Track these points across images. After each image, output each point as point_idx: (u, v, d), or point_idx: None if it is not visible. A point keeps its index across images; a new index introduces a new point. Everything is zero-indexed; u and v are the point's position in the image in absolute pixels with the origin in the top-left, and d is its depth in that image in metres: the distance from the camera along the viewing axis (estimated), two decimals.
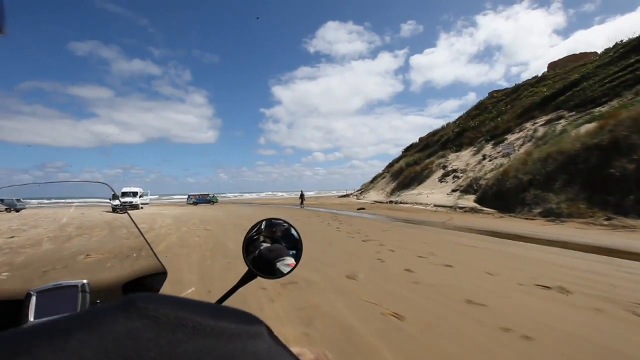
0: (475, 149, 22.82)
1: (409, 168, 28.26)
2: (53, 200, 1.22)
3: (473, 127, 27.44)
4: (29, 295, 0.70)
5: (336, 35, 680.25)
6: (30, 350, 0.17)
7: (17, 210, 1.44)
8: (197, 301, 0.25)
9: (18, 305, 0.71)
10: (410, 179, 25.76)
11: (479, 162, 20.08)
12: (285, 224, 0.78)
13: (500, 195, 13.39)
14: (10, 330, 0.20)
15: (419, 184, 23.83)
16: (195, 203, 37.57)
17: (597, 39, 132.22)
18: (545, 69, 37.91)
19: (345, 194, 50.95)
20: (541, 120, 19.78)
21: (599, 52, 38.69)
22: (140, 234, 0.90)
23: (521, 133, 20.14)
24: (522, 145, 18.24)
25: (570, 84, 21.01)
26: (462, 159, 22.83)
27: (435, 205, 16.91)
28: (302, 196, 25.90)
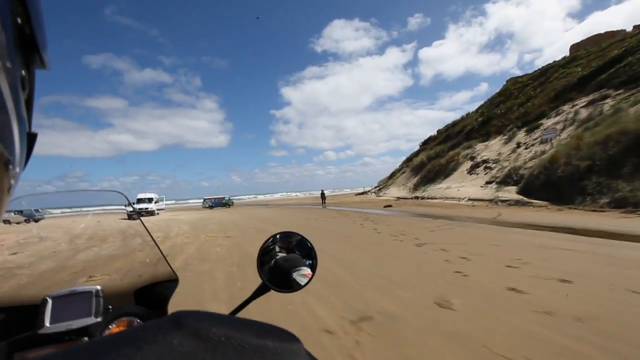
0: (505, 137, 21.16)
1: (432, 161, 26.70)
2: (74, 210, 1.29)
3: (499, 114, 25.69)
4: (45, 301, 0.73)
5: (343, 33, 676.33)
6: None
7: (36, 221, 1.46)
8: (240, 319, 0.26)
9: (34, 310, 0.74)
10: (434, 172, 24.24)
11: (513, 151, 18.46)
12: (298, 236, 0.79)
13: (550, 185, 11.88)
14: (70, 347, 0.21)
15: (446, 177, 22.31)
16: (211, 207, 36.99)
17: (616, 19, 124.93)
18: (567, 53, 35.85)
19: (362, 191, 49.57)
20: (581, 101, 18.01)
21: (627, 29, 36.38)
22: (153, 241, 0.93)
23: (559, 117, 18.41)
24: (562, 129, 16.57)
25: (611, 60, 19.11)
26: (491, 148, 21.20)
27: (470, 200, 15.47)
28: (323, 195, 24.75)
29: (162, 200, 32.42)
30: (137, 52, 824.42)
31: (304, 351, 0.25)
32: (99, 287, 0.78)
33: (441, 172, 23.43)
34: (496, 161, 18.84)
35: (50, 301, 0.73)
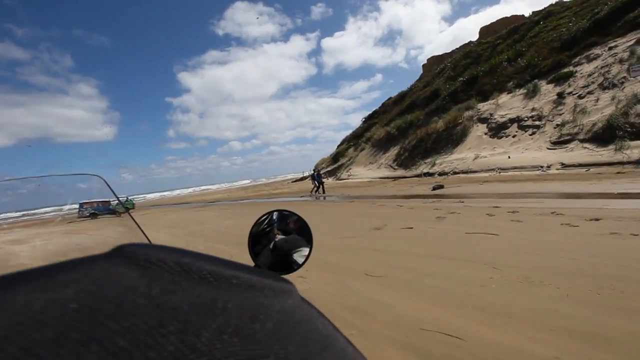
0: (523, 91, 16.75)
1: (419, 130, 21.13)
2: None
3: (486, 72, 21.65)
4: None
5: (246, 17, 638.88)
6: (7, 288, 0.15)
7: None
8: (212, 256, 0.21)
9: None
10: (432, 142, 18.61)
11: (559, 104, 13.90)
12: (293, 215, 0.74)
13: None
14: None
15: (456, 145, 16.85)
16: (93, 215, 23.91)
17: (473, 25, 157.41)
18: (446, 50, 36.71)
19: (302, 176, 42.26)
20: (623, 40, 14.43)
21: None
22: (144, 235, 0.87)
23: (598, 61, 14.54)
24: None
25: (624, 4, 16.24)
26: (510, 105, 16.54)
27: (564, 166, 9.90)
28: (317, 178, 16.24)
29: None
30: None
31: (296, 293, 0.21)
32: None
33: (444, 141, 17.91)
34: (538, 117, 13.97)
35: None
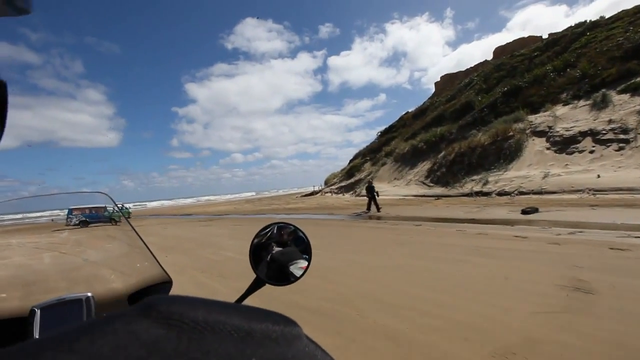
0: (589, 102, 14.46)
1: (455, 143, 18.80)
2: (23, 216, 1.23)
3: (531, 83, 19.51)
4: (33, 312, 0.69)
5: (255, 33, 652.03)
6: (39, 355, 0.15)
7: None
8: (224, 302, 0.22)
9: (22, 322, 0.69)
10: (478, 156, 16.20)
11: None
12: (293, 228, 0.77)
13: None
14: (21, 343, 0.17)
15: (510, 161, 14.43)
16: (84, 223, 21.32)
17: (476, 50, 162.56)
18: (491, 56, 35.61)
19: (312, 191, 39.68)
20: None
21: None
22: (143, 243, 0.89)
23: None
24: None
25: None
26: (575, 117, 14.21)
27: None
28: (371, 192, 12.66)
29: None
30: None
31: (304, 335, 0.21)
32: (89, 294, 0.74)
33: (492, 155, 15.52)
34: (622, 130, 11.57)
35: (38, 312, 0.69)
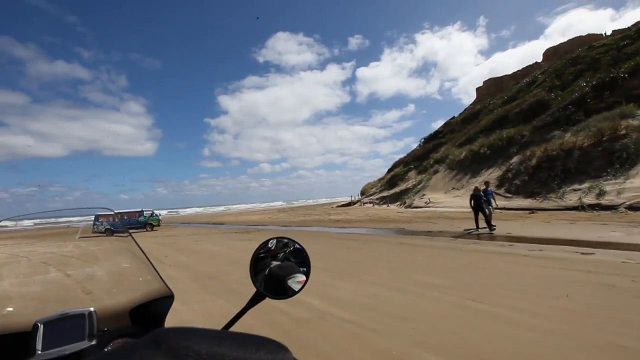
0: None
1: (536, 147, 15.62)
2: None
3: (628, 75, 15.99)
4: (36, 327, 0.69)
5: (286, 46, 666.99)
6: None
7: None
8: (227, 332, 0.24)
9: (25, 337, 0.69)
10: (577, 160, 12.98)
11: None
12: (292, 242, 0.79)
13: None
14: None
15: (632, 165, 11.13)
16: (109, 232, 19.64)
17: (512, 59, 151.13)
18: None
19: (350, 201, 37.08)
20: None
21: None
22: (145, 256, 0.89)
23: None
24: None
25: None
26: None
27: None
28: (477, 200, 8.93)
29: None
30: (47, 40, 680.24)
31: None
32: (92, 309, 0.75)
33: (599, 159, 12.25)
34: None
35: (41, 326, 0.69)
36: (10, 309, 0.89)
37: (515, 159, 16.71)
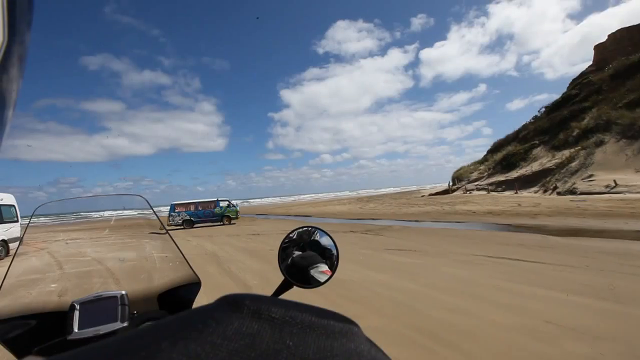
0: None
1: None
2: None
3: None
4: (72, 307, 0.73)
5: (346, 35, 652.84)
6: (157, 347, 0.16)
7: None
8: (295, 302, 0.24)
9: (63, 316, 0.74)
10: None
11: None
12: (317, 231, 0.77)
13: None
14: (132, 331, 0.19)
15: None
16: (188, 223, 17.40)
17: (612, 21, 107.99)
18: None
19: (447, 188, 31.44)
20: None
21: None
22: (174, 243, 0.93)
23: None
24: None
25: None
26: None
27: None
28: None
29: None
30: (136, 52, 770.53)
31: (363, 333, 0.23)
32: (124, 292, 0.78)
33: None
34: None
35: (78, 306, 0.73)
36: (52, 287, 1.03)
37: None
